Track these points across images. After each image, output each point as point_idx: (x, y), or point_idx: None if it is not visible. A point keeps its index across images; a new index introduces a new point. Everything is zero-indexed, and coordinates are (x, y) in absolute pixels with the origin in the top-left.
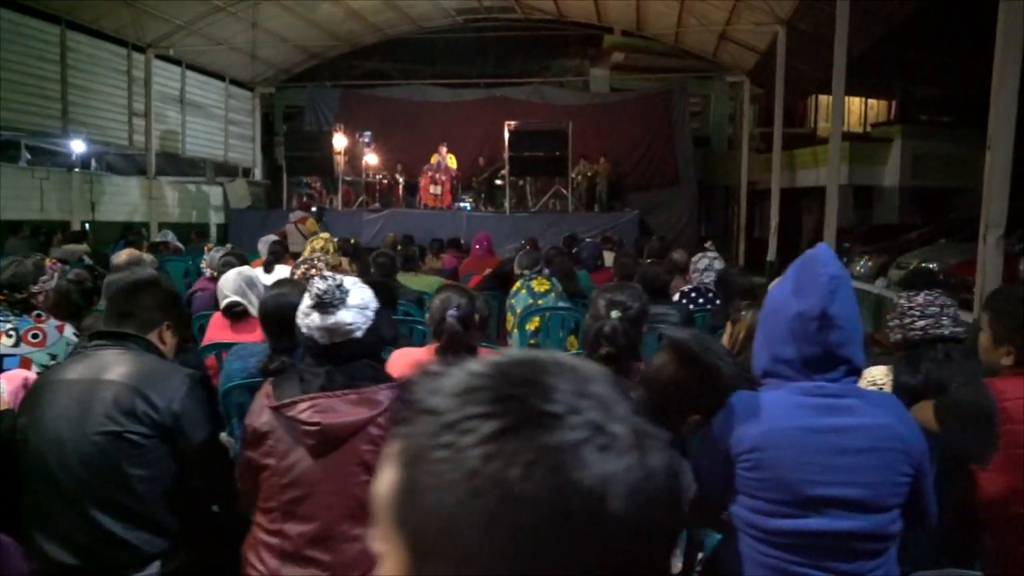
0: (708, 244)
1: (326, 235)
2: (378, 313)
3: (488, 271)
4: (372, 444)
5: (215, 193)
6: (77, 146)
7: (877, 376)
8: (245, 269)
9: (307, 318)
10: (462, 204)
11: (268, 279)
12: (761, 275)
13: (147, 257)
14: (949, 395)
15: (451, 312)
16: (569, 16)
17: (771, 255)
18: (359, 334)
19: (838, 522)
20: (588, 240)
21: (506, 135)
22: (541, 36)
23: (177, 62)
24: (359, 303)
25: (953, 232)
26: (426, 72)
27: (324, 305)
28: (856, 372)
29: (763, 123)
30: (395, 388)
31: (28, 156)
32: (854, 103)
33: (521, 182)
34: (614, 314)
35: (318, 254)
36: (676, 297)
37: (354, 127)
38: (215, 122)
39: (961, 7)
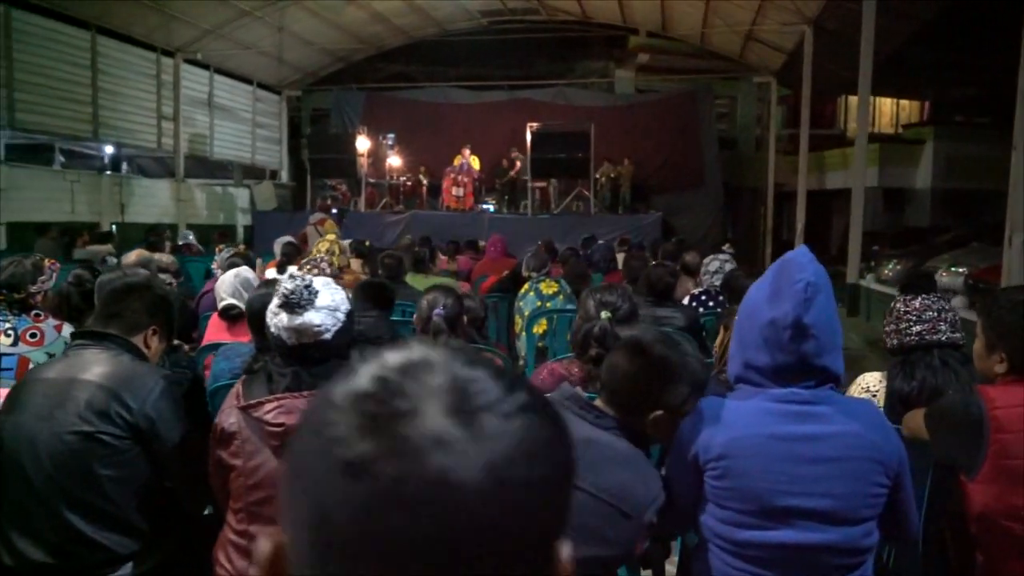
0: (727, 247)
1: (332, 236)
2: (349, 315)
3: (506, 272)
4: None
5: (242, 195)
6: (108, 149)
7: (871, 383)
8: (243, 271)
9: (275, 318)
10: (485, 206)
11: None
12: None
13: (166, 259)
14: (939, 402)
15: (437, 311)
16: (593, 17)
17: None
18: (328, 336)
19: (807, 534)
20: (601, 242)
21: (528, 137)
22: (565, 38)
23: (205, 66)
24: (329, 304)
25: (985, 235)
26: (450, 74)
27: (291, 305)
28: (833, 380)
29: (791, 124)
30: None
31: (62, 159)
32: (885, 104)
33: (544, 184)
34: (603, 315)
35: (323, 255)
36: (686, 300)
37: (379, 129)
38: (242, 125)
39: (995, 4)
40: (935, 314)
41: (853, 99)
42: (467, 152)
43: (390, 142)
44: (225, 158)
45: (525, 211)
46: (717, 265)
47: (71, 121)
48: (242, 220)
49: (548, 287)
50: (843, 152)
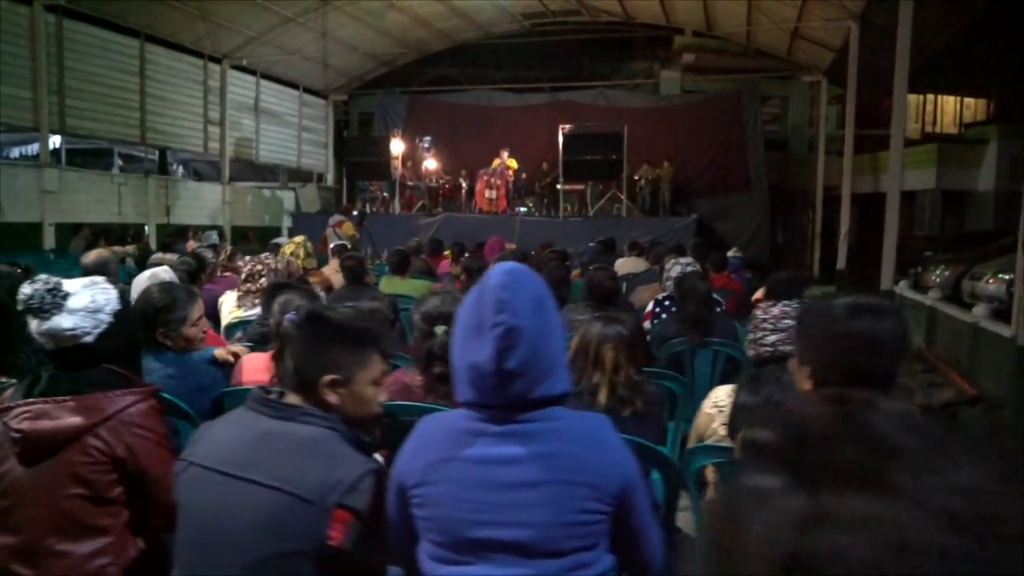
0: (733, 251)
1: (299, 239)
2: (118, 316)
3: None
4: (87, 455)
5: (288, 198)
6: (157, 154)
7: (721, 396)
8: (159, 271)
9: (31, 323)
10: (522, 209)
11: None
12: (832, 283)
13: (178, 260)
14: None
15: (289, 316)
16: (637, 18)
17: (840, 263)
18: (89, 339)
19: (503, 570)
20: (591, 245)
21: (560, 139)
22: (609, 39)
23: (252, 72)
24: (86, 306)
25: None
26: (494, 77)
27: (34, 311)
28: (555, 401)
29: (844, 124)
30: (139, 396)
31: (120, 163)
32: (948, 103)
33: (581, 186)
34: (439, 330)
35: (287, 255)
36: (650, 306)
37: (422, 132)
38: (288, 129)
39: None
40: (792, 323)
41: (912, 97)
42: (504, 155)
43: (427, 145)
44: (271, 161)
45: (560, 214)
46: (679, 270)
47: (120, 126)
48: (287, 222)
49: None
50: None
